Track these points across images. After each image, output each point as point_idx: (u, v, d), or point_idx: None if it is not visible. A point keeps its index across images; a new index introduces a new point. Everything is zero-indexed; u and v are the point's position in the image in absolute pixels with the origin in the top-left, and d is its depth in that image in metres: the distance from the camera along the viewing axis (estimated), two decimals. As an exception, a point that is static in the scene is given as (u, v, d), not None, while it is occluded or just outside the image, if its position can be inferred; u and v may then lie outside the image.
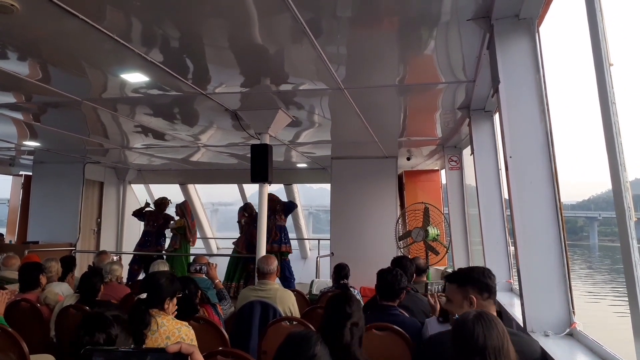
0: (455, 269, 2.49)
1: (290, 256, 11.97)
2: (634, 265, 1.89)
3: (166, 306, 2.66)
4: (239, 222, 8.52)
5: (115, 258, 5.92)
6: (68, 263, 4.99)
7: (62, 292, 4.30)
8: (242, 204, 8.80)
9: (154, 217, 8.75)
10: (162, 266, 4.62)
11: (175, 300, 2.75)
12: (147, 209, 8.89)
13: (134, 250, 8.75)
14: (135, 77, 4.13)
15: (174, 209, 8.90)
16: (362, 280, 6.26)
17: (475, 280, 2.31)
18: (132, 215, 9.07)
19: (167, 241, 8.87)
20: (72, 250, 8.87)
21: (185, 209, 8.88)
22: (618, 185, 1.93)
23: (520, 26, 2.78)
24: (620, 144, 1.93)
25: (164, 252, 8.63)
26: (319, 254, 8.89)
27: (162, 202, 8.91)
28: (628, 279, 1.94)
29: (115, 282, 4.50)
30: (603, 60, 2.02)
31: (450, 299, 2.41)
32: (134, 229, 10.85)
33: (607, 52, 2.01)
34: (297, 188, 11.19)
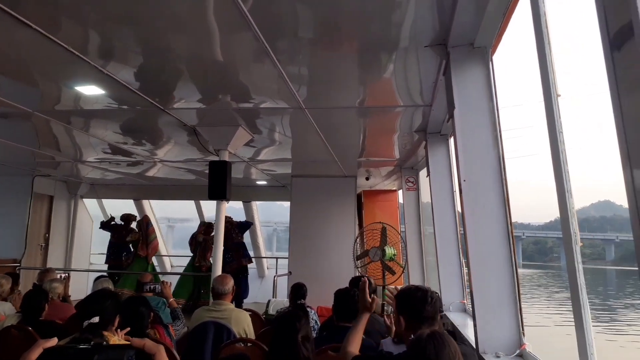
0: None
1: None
2: (579, 287, 1.96)
3: (114, 326, 2.57)
4: (194, 237, 8.61)
5: (62, 276, 5.65)
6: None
7: (4, 312, 4.08)
8: (198, 221, 8.87)
9: (118, 230, 9.18)
10: (106, 283, 4.49)
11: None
12: (112, 222, 9.37)
13: (105, 262, 9.23)
14: (90, 90, 4.02)
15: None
16: (320, 300, 6.22)
17: (404, 304, 2.19)
18: (100, 227, 9.47)
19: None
20: (16, 266, 8.43)
21: (143, 223, 9.16)
22: (565, 211, 2.01)
23: (475, 54, 2.89)
24: (567, 172, 2.01)
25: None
26: (276, 272, 8.79)
27: (128, 218, 9.32)
28: (574, 301, 2.01)
29: (58, 301, 4.32)
30: (551, 90, 2.11)
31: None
32: (84, 246, 10.46)
33: (555, 83, 2.11)
34: (256, 206, 11.07)
